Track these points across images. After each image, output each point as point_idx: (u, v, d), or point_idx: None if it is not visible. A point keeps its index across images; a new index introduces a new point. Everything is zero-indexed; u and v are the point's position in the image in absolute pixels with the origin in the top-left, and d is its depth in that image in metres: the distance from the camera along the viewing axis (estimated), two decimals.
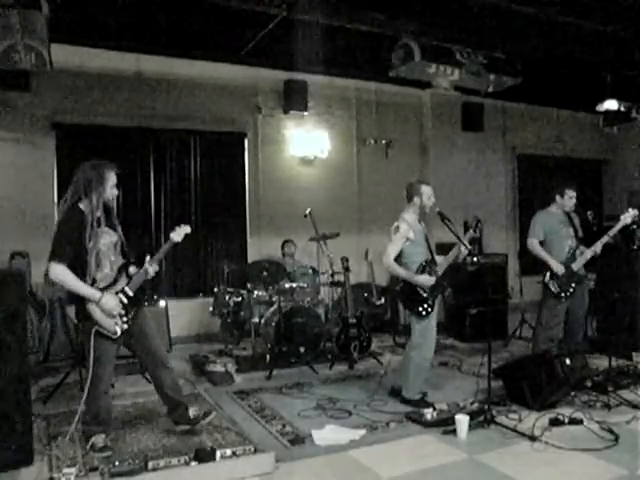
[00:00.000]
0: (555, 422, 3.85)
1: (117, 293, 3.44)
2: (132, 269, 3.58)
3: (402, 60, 5.87)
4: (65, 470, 3.06)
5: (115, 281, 3.48)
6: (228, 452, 3.23)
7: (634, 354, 5.62)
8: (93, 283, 3.39)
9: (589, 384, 4.54)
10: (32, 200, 6.44)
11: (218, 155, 7.50)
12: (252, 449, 3.31)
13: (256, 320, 6.02)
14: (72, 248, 3.32)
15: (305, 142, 7.81)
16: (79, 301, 3.39)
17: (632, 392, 4.52)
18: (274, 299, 5.90)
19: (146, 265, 3.55)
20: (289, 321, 5.73)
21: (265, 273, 5.92)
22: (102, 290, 3.39)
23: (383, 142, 8.41)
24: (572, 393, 4.35)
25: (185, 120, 7.22)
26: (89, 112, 6.70)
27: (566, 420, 3.87)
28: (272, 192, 7.69)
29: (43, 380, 5.16)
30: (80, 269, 3.34)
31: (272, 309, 5.94)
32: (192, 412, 3.73)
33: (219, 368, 5.49)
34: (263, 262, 6.22)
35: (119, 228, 3.58)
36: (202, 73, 7.28)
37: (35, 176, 6.49)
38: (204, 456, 3.17)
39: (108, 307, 3.36)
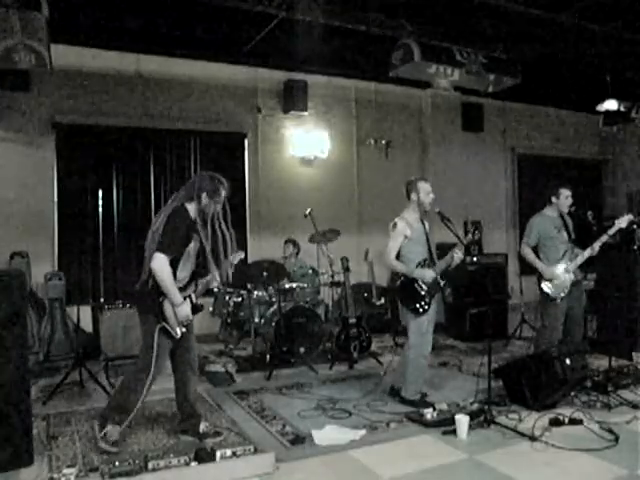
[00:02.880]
0: (555, 422, 3.85)
1: (185, 298, 3.50)
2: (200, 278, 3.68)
3: (402, 60, 5.88)
4: (65, 470, 3.06)
5: (187, 285, 3.56)
6: (228, 452, 3.22)
7: (634, 354, 5.61)
8: None
9: (589, 384, 4.54)
10: (32, 200, 6.45)
11: (218, 155, 7.51)
12: (252, 449, 3.30)
13: (256, 320, 6.01)
14: (179, 244, 3.41)
15: (305, 142, 7.81)
16: (158, 295, 3.42)
17: (632, 392, 4.52)
18: (274, 299, 5.90)
19: (213, 275, 3.65)
20: (289, 321, 5.73)
21: (265, 273, 5.92)
22: None
23: (383, 142, 8.42)
24: (572, 393, 4.35)
25: (185, 120, 7.23)
26: (89, 112, 6.71)
27: (566, 420, 3.86)
28: (272, 192, 7.70)
29: (43, 380, 5.16)
30: (170, 266, 3.41)
31: (272, 309, 5.93)
32: (203, 427, 3.71)
33: (219, 368, 5.48)
34: (263, 262, 6.21)
35: (204, 237, 3.61)
36: (202, 73, 7.29)
37: (35, 176, 6.50)
38: (204, 456, 3.16)
39: (182, 314, 3.44)
